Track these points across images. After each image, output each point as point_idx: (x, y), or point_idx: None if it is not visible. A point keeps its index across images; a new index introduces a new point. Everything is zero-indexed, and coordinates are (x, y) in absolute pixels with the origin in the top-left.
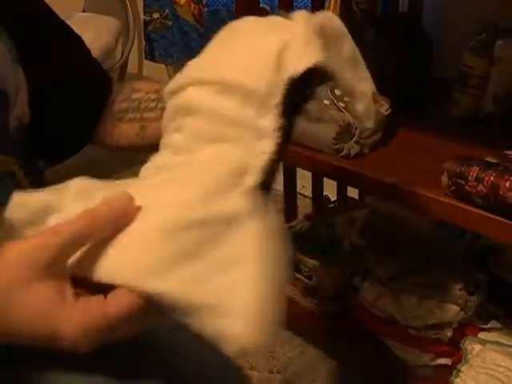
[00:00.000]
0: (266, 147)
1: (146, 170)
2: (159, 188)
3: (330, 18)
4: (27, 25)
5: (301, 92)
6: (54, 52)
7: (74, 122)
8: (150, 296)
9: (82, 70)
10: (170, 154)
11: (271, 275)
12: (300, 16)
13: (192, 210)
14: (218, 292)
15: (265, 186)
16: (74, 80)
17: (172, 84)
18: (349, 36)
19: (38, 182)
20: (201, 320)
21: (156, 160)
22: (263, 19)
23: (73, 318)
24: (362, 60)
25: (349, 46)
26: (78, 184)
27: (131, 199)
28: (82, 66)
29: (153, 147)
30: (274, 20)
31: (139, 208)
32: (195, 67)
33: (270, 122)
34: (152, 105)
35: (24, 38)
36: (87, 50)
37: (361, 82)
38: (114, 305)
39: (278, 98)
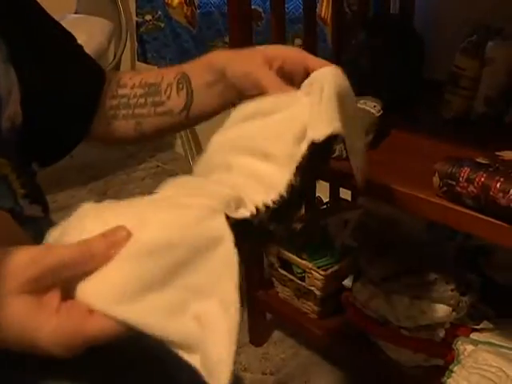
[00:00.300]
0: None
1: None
2: (145, 209)
3: (338, 73)
4: (18, 24)
5: (320, 155)
6: (45, 50)
7: (68, 119)
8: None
9: (73, 65)
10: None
11: (237, 310)
12: (311, 84)
13: (169, 231)
14: (189, 326)
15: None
16: (66, 77)
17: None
18: (352, 93)
19: (30, 184)
20: (173, 347)
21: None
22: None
23: (48, 326)
24: (359, 117)
25: (352, 104)
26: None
27: (128, 233)
28: (73, 62)
29: (150, 140)
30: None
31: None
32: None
33: (282, 176)
34: (141, 100)
35: (15, 37)
36: (79, 46)
37: (358, 139)
38: (95, 322)
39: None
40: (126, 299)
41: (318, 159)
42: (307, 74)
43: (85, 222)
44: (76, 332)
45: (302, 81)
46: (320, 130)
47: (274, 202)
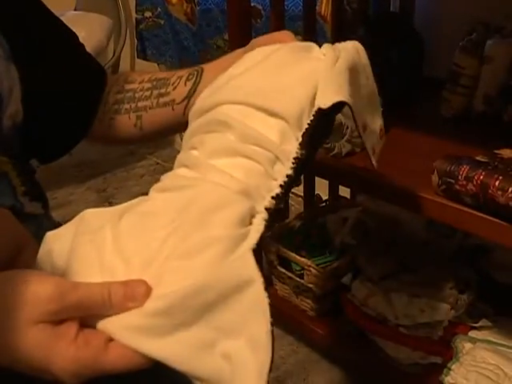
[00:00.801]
0: (278, 175)
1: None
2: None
3: (358, 50)
4: (20, 22)
5: (323, 125)
6: (47, 48)
7: (68, 118)
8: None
9: (75, 65)
10: (183, 170)
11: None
12: (331, 49)
13: (197, 276)
14: (218, 363)
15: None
16: (67, 76)
17: (205, 102)
18: (371, 72)
19: (30, 182)
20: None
21: (169, 176)
22: (298, 45)
23: (65, 355)
24: (378, 97)
25: (370, 82)
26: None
27: (148, 287)
28: (75, 61)
29: (151, 139)
30: (308, 47)
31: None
32: (234, 87)
33: (290, 149)
34: (147, 93)
35: (17, 35)
36: (80, 45)
37: (374, 120)
38: (113, 354)
39: (303, 128)
40: (149, 333)
41: (321, 130)
42: None
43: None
44: (94, 362)
45: None
46: (328, 97)
47: (282, 186)
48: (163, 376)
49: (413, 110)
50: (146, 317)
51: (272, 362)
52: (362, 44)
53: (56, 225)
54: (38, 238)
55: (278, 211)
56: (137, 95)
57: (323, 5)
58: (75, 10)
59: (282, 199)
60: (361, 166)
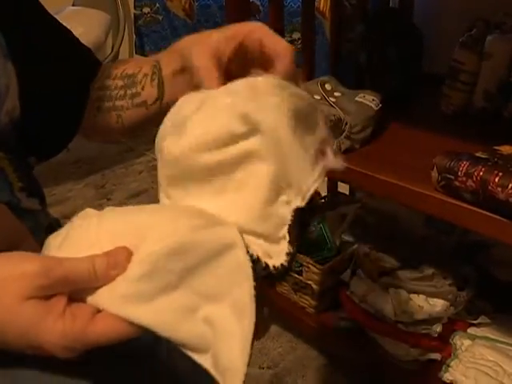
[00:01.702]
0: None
1: None
2: (153, 213)
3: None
4: (16, 18)
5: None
6: (41, 44)
7: (62, 112)
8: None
9: (67, 58)
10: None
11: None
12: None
13: (180, 236)
14: (200, 328)
15: None
16: (59, 70)
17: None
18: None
19: (28, 178)
20: (183, 348)
21: None
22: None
23: (54, 330)
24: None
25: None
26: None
27: (129, 253)
28: (68, 56)
29: (136, 134)
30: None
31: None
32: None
33: (281, 249)
34: (121, 92)
35: (13, 31)
36: (74, 39)
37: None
38: (99, 325)
39: (285, 228)
40: (135, 300)
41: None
42: (263, 52)
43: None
44: (82, 335)
45: (257, 59)
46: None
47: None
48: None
49: (412, 106)
50: (131, 283)
51: (256, 328)
52: (361, 40)
53: (53, 221)
54: (35, 234)
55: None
56: (113, 94)
57: (322, 1)
58: (73, 5)
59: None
60: (360, 163)
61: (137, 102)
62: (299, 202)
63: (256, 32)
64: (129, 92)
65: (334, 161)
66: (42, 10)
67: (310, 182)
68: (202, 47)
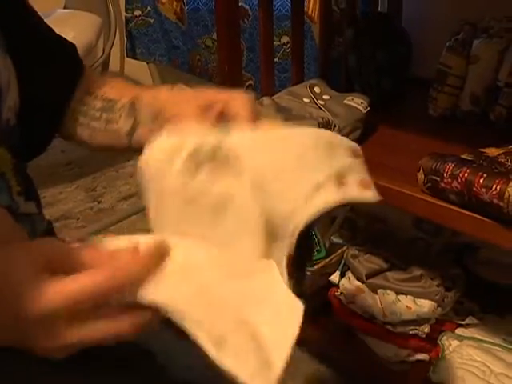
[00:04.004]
0: None
1: None
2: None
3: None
4: (15, 15)
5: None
6: (28, 43)
7: (42, 113)
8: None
9: (50, 59)
10: None
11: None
12: None
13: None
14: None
15: None
16: (41, 70)
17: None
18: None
19: (25, 181)
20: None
21: None
22: None
23: (55, 288)
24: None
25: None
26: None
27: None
28: (50, 56)
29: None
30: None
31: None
32: None
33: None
34: (97, 114)
35: (11, 27)
36: (59, 41)
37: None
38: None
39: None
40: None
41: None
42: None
43: None
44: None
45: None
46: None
47: None
48: None
49: (401, 109)
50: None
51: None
52: (350, 44)
53: (48, 225)
54: (33, 238)
55: None
56: (90, 113)
57: (311, 5)
58: (65, 8)
59: None
60: None
61: (110, 127)
62: (288, 249)
63: (236, 102)
64: (104, 115)
65: (357, 191)
66: (29, 8)
67: (297, 219)
68: (189, 103)
